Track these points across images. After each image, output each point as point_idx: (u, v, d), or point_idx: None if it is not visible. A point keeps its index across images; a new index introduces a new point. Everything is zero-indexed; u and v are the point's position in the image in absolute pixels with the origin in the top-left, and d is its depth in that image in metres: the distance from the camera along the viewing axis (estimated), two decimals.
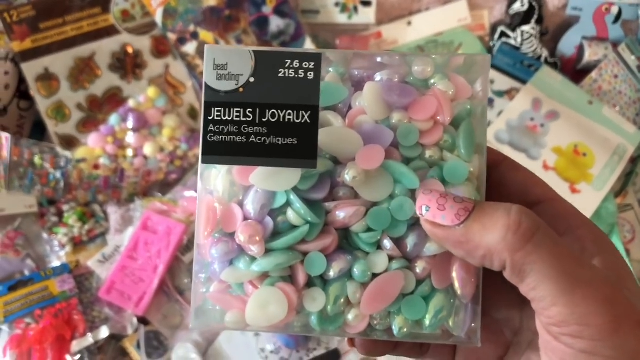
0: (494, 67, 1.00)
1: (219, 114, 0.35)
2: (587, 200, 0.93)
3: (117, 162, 0.95)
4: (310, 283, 0.37)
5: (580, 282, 0.31)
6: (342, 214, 0.36)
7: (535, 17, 1.02)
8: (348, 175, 0.36)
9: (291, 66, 0.35)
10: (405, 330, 0.37)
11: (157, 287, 0.91)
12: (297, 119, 0.35)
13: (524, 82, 0.99)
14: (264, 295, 0.36)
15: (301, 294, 0.37)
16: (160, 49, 1.01)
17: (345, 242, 0.38)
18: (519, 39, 1.01)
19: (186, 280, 0.93)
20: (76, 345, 0.88)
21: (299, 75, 0.35)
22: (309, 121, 0.35)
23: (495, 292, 0.40)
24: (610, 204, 0.94)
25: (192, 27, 0.99)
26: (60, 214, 0.96)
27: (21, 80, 0.98)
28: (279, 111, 0.35)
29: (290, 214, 0.37)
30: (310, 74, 0.35)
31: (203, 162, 0.36)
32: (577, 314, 0.31)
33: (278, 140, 0.35)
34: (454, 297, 0.38)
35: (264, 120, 0.35)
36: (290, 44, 1.00)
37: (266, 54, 0.35)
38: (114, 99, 0.99)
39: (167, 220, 0.93)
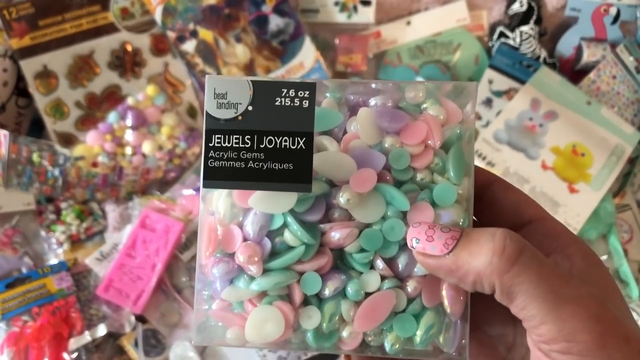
0: (493, 67, 1.01)
1: (219, 140, 0.37)
2: (585, 200, 0.94)
3: (115, 160, 0.97)
4: (306, 301, 0.40)
5: (566, 300, 0.33)
6: (336, 235, 0.39)
7: (534, 17, 1.03)
8: (342, 198, 0.38)
9: (287, 95, 0.37)
10: (397, 346, 0.40)
11: (155, 285, 0.92)
12: (293, 145, 0.37)
13: (522, 82, 1.00)
14: (261, 313, 0.38)
15: (297, 312, 0.39)
16: (160, 47, 1.03)
17: (340, 262, 0.40)
18: (518, 39, 1.02)
19: (184, 278, 0.95)
20: (74, 343, 0.89)
21: (295, 104, 0.37)
22: (304, 147, 0.37)
23: (488, 309, 0.42)
24: (609, 204, 0.96)
25: (191, 26, 1.01)
26: (58, 212, 0.98)
27: (20, 77, 0.99)
28: (276, 138, 0.37)
29: (287, 235, 0.39)
30: (305, 103, 0.37)
31: (204, 186, 0.38)
32: (564, 331, 0.33)
33: (275, 165, 0.38)
34: (443, 315, 0.40)
35: (261, 146, 0.38)
36: (289, 43, 1.01)
37: (263, 83, 0.37)
38: (112, 97, 1.01)
39: (166, 218, 0.94)
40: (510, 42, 1.03)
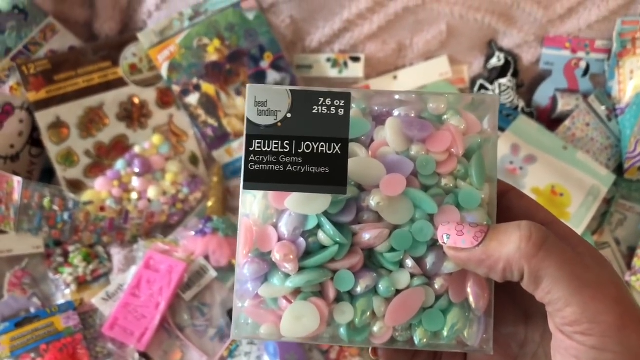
0: None
1: (259, 145, 0.38)
2: None
3: (122, 204, 0.97)
4: (339, 298, 0.39)
5: (589, 284, 0.34)
6: (367, 235, 0.39)
7: (511, 71, 1.05)
8: (373, 201, 0.39)
9: (324, 104, 0.38)
10: (425, 340, 0.40)
11: (159, 323, 0.91)
12: (329, 150, 0.38)
13: (502, 130, 1.02)
14: (298, 308, 0.38)
15: (331, 307, 0.39)
16: (165, 100, 1.04)
17: (370, 261, 0.40)
18: (497, 91, 1.04)
19: (186, 316, 0.94)
20: None
21: (331, 112, 0.38)
22: (339, 152, 0.38)
23: (502, 309, 0.42)
24: (588, 241, 0.96)
25: (195, 80, 1.02)
26: (65, 255, 0.97)
27: (34, 128, 0.99)
28: (313, 143, 0.38)
29: (321, 235, 0.39)
30: (341, 111, 0.38)
31: (245, 188, 0.39)
32: (587, 312, 0.33)
33: (312, 169, 0.38)
34: (468, 311, 0.40)
35: (299, 151, 0.38)
36: None
37: (302, 92, 0.38)
38: (120, 146, 1.01)
39: (169, 259, 0.94)
40: (490, 93, 1.05)
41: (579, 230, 0.95)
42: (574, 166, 0.99)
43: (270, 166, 0.38)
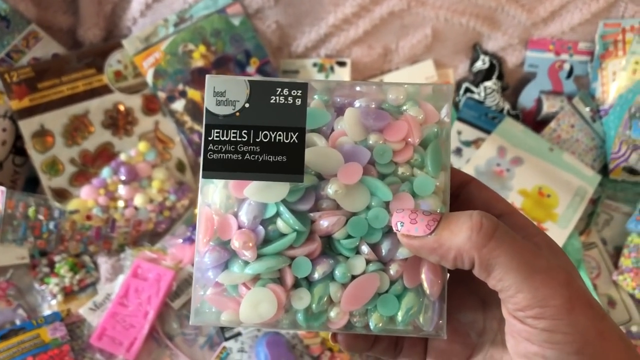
0: (461, 119, 1.05)
1: (217, 135, 0.40)
2: (554, 238, 0.96)
3: (108, 213, 0.98)
4: (296, 284, 0.41)
5: (538, 271, 0.36)
6: (325, 222, 0.41)
7: (496, 73, 1.07)
8: (331, 189, 0.40)
9: (281, 94, 0.40)
10: (380, 325, 0.41)
11: (148, 332, 0.92)
12: (287, 139, 0.40)
13: (488, 132, 1.04)
14: (256, 295, 0.40)
15: (289, 293, 0.41)
16: (150, 106, 1.05)
17: (328, 247, 0.42)
18: (483, 94, 1.06)
19: (175, 325, 0.95)
20: None
21: (288, 102, 0.40)
22: (296, 141, 0.40)
23: (459, 298, 0.44)
24: (576, 241, 0.99)
25: (180, 86, 1.04)
26: (51, 265, 0.98)
27: (17, 136, 1.00)
28: (271, 132, 0.40)
29: (280, 223, 0.41)
30: (298, 101, 0.40)
31: (204, 177, 0.40)
32: (537, 297, 0.35)
33: (270, 157, 0.40)
34: (423, 296, 0.42)
35: (257, 140, 0.40)
36: None
37: (259, 83, 0.40)
38: (105, 154, 1.02)
39: (157, 267, 0.95)
40: (476, 96, 1.07)
41: (567, 231, 0.97)
42: (560, 167, 1.01)
43: (229, 155, 0.40)
